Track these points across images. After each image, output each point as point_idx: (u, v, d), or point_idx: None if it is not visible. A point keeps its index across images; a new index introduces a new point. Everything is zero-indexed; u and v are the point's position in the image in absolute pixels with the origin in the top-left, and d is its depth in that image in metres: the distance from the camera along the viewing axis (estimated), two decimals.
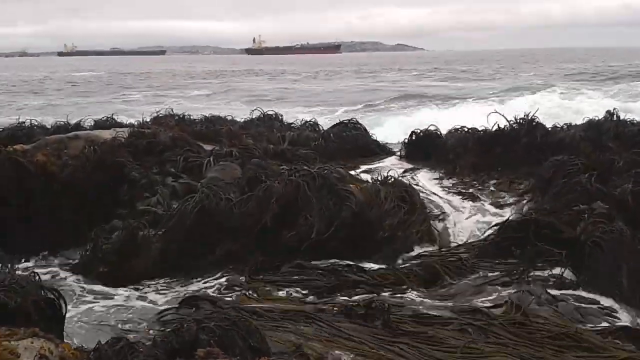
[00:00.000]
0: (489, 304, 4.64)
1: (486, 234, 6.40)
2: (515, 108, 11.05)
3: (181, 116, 10.01)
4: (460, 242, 6.48)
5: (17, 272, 4.65)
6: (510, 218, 6.29)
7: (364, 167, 8.27)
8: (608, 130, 8.06)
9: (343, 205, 5.82)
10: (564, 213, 6.03)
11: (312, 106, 27.69)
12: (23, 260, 6.15)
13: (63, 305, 3.96)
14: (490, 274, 5.34)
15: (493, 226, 6.36)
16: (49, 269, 6.00)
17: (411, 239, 6.15)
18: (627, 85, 30.98)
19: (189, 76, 49.33)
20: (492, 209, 7.18)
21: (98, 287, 5.53)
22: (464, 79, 42.95)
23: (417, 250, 6.15)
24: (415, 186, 7.27)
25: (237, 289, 5.19)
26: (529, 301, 4.52)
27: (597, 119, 8.55)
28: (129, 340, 3.30)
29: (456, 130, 8.83)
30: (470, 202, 7.37)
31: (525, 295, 4.66)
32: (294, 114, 23.05)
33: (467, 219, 7.00)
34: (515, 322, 4.13)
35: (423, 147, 8.80)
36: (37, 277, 4.08)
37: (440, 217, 6.91)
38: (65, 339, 3.69)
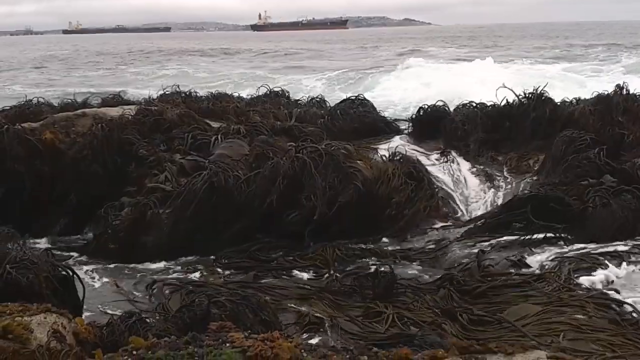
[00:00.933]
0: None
1: (491, 209, 6.43)
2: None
3: (187, 93, 9.98)
4: (468, 218, 6.50)
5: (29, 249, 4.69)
6: (516, 194, 6.31)
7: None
8: (617, 105, 7.97)
9: (350, 184, 5.81)
10: (572, 187, 6.04)
11: (317, 72, 27.88)
12: (32, 238, 6.19)
13: (79, 282, 4.00)
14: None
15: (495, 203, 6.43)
16: (59, 247, 6.04)
17: (419, 215, 6.15)
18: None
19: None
20: (501, 185, 7.17)
21: (108, 264, 5.58)
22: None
23: (425, 226, 6.18)
24: (424, 162, 7.27)
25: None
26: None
27: (606, 93, 8.45)
28: (141, 315, 3.35)
29: (464, 105, 8.76)
30: (479, 178, 7.37)
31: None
32: (294, 78, 23.62)
33: (476, 195, 7.01)
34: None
35: (431, 124, 8.72)
36: (50, 255, 4.12)
37: (449, 194, 6.91)
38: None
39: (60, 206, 6.48)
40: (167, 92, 10.10)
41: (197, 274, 5.30)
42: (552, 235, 5.55)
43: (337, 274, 5.06)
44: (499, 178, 7.31)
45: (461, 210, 6.68)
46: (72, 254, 5.86)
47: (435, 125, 8.63)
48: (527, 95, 8.08)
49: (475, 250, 5.45)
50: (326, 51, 44.86)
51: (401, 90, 18.66)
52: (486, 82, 13.06)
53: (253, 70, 29.67)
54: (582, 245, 5.34)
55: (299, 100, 10.91)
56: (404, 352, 2.43)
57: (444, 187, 6.99)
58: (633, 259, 5.03)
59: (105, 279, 5.25)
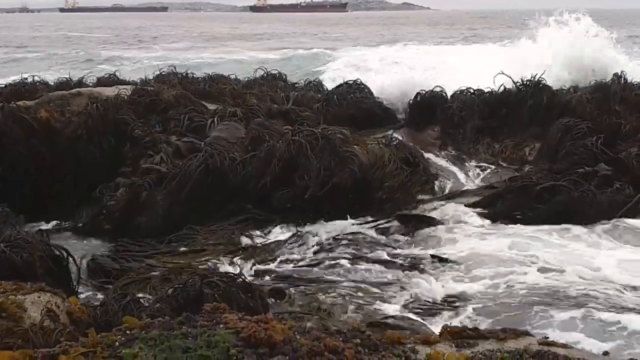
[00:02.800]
0: None
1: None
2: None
3: (184, 74, 9.91)
4: None
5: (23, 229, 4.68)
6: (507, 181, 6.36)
7: None
8: (615, 94, 7.97)
9: (346, 168, 5.81)
10: (567, 174, 6.06)
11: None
12: (28, 219, 6.15)
13: (72, 261, 4.00)
14: None
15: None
16: (54, 227, 6.02)
17: (409, 198, 6.16)
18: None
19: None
20: (496, 172, 7.19)
21: (103, 244, 5.57)
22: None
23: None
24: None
25: None
26: None
27: (603, 81, 8.44)
28: (135, 295, 3.36)
29: (461, 92, 8.73)
30: (475, 165, 7.39)
31: None
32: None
33: (470, 181, 7.02)
34: None
35: (429, 108, 8.69)
36: (44, 235, 4.11)
37: (444, 180, 6.93)
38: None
39: (54, 186, 6.45)
40: (163, 73, 10.04)
41: None
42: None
43: None
44: (493, 165, 7.34)
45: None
46: (67, 234, 5.85)
47: (432, 107, 8.60)
48: (524, 82, 8.06)
49: None
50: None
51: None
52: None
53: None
54: None
55: (296, 83, 10.86)
56: (395, 335, 2.44)
57: (439, 173, 7.00)
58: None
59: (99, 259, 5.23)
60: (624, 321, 3.89)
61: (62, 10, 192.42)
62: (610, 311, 4.05)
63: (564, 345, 2.51)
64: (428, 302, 4.29)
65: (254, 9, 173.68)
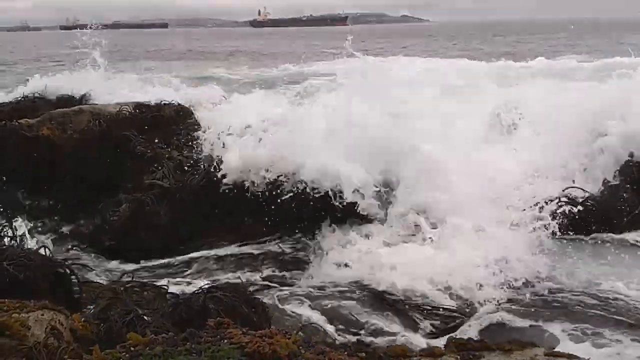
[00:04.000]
0: None
1: None
2: None
3: None
4: None
5: (26, 246, 4.69)
6: None
7: None
8: None
9: None
10: None
11: None
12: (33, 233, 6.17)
13: (74, 279, 3.99)
14: None
15: None
16: (57, 241, 6.03)
17: None
18: None
19: None
20: None
21: (104, 260, 5.57)
22: None
23: None
24: None
25: None
26: None
27: None
28: (138, 312, 3.35)
29: None
30: None
31: None
32: None
33: None
34: None
35: None
36: (47, 252, 4.11)
37: None
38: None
39: (58, 201, 6.46)
40: None
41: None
42: None
43: None
44: None
45: None
46: (69, 246, 5.86)
47: None
48: None
49: None
50: None
51: None
52: None
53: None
54: None
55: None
56: (400, 349, 2.43)
57: None
58: None
59: (102, 275, 5.24)
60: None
61: (62, 27, 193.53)
62: (617, 325, 4.02)
63: (571, 356, 2.50)
64: (433, 313, 4.26)
65: (254, 23, 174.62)
